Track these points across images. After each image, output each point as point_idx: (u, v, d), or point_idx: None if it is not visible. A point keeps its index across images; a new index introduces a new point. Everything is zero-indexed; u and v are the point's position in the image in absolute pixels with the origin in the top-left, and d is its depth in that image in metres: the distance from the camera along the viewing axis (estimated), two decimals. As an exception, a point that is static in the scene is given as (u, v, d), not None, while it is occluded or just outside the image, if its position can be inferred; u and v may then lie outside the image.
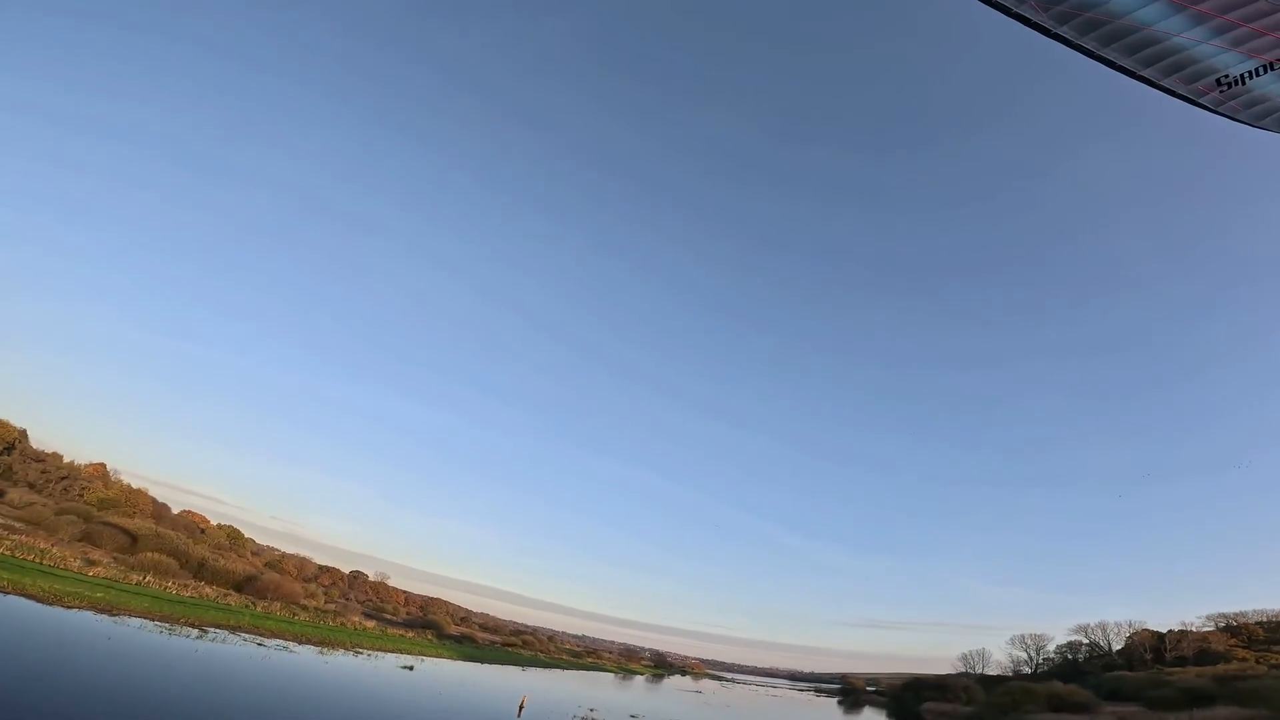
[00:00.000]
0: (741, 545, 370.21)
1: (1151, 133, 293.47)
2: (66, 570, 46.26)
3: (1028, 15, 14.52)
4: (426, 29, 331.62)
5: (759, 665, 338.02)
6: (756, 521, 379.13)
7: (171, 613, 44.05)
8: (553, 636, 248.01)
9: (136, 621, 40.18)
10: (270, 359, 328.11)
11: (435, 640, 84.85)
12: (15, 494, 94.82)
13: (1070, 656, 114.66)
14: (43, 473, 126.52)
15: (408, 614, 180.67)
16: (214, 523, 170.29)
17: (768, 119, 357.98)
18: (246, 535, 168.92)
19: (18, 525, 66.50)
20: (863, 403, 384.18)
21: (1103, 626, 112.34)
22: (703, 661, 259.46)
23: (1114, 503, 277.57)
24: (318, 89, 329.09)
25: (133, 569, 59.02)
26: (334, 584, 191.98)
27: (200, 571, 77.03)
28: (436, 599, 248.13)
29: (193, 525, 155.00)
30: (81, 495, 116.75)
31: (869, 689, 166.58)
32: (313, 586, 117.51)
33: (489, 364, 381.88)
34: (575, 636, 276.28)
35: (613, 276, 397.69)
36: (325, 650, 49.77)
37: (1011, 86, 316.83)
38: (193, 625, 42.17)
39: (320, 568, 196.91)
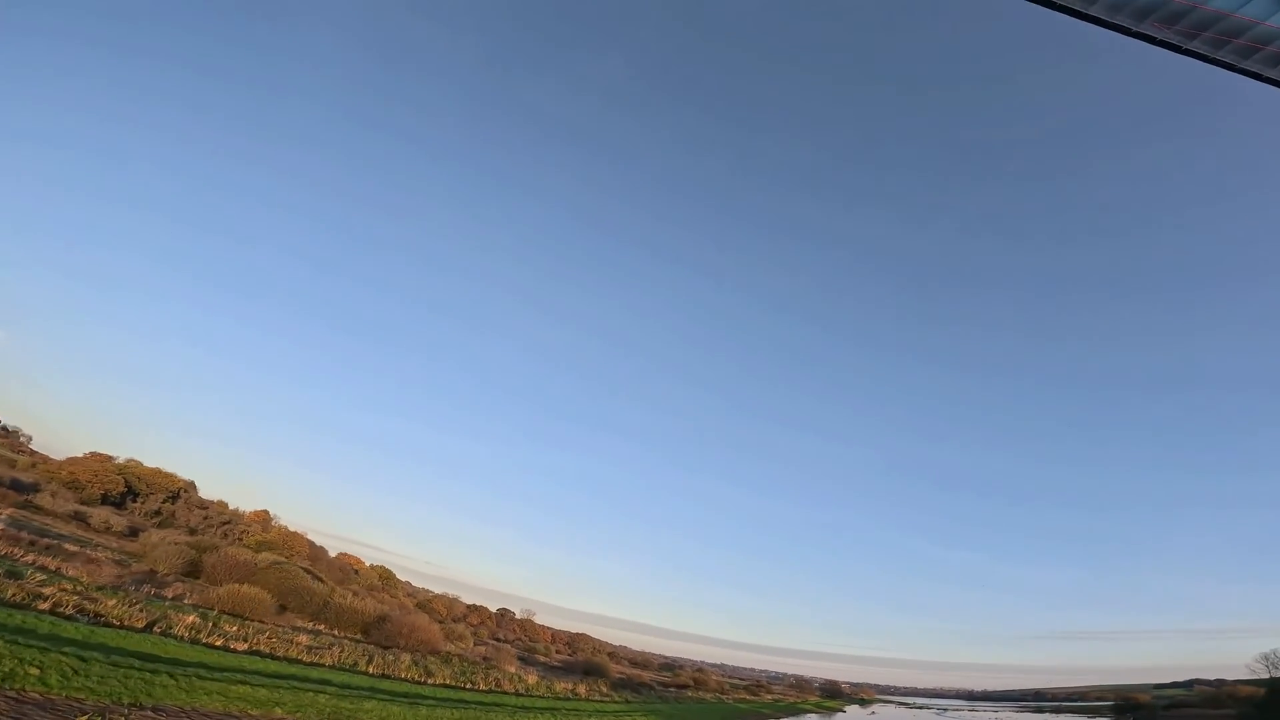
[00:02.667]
0: (891, 563, 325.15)
1: None
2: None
3: (1151, 33, 14.17)
4: (510, 80, 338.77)
5: (919, 686, 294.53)
6: (904, 538, 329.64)
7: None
8: (701, 668, 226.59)
9: None
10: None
11: (627, 699, 63.00)
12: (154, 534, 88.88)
13: None
14: (205, 518, 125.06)
15: (558, 653, 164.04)
16: (368, 564, 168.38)
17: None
18: (402, 579, 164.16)
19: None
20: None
21: None
22: (865, 686, 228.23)
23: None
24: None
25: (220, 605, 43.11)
26: (482, 623, 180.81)
27: (323, 612, 61.53)
28: (582, 634, 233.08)
29: (347, 567, 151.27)
30: (241, 539, 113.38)
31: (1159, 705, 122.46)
32: (460, 627, 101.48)
33: (615, 403, 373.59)
34: (714, 665, 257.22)
35: (734, 312, 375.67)
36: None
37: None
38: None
39: (469, 607, 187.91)
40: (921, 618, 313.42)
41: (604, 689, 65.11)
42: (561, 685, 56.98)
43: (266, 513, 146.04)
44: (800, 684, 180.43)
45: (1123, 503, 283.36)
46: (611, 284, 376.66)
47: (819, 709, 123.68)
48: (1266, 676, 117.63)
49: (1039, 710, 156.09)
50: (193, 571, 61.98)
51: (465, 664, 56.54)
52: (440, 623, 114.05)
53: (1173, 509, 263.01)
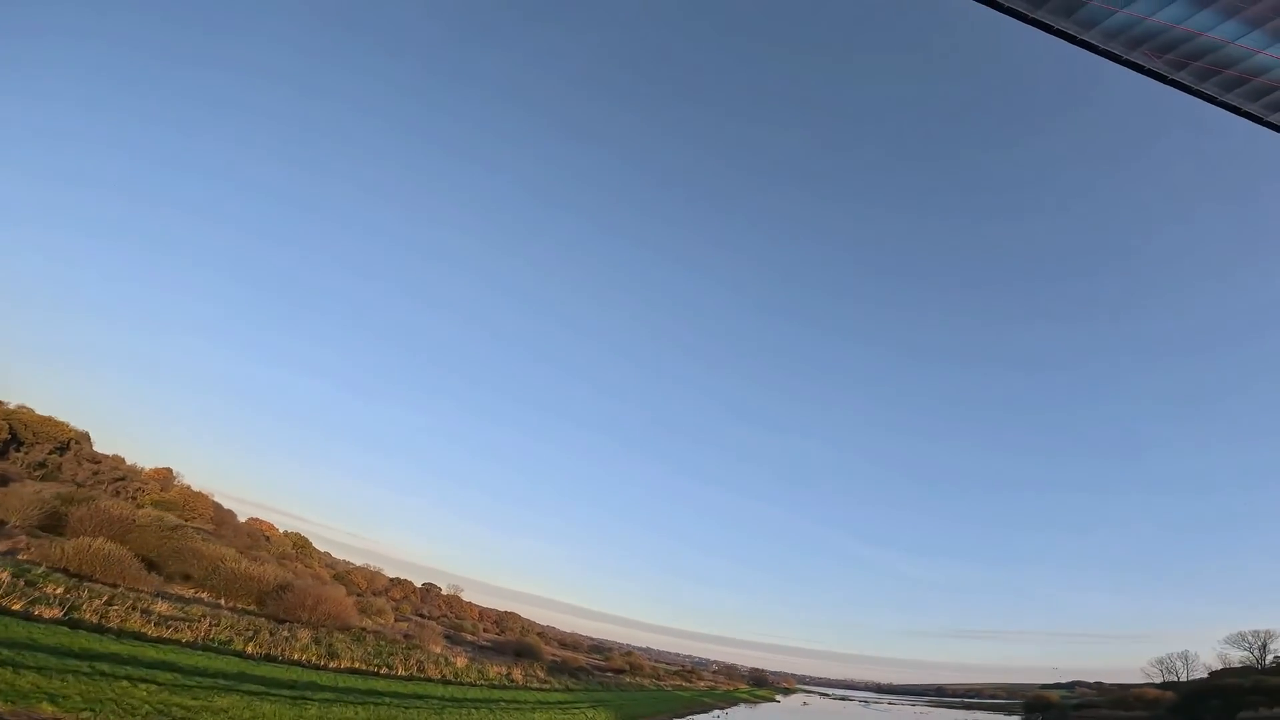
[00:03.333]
0: (805, 555, 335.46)
1: None
2: None
3: (1142, 62, 14.58)
4: (467, 50, 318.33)
5: (833, 677, 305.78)
6: (823, 531, 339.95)
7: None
8: (630, 652, 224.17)
9: None
10: (331, 380, 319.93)
11: (568, 686, 56.00)
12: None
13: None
14: (95, 473, 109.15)
15: (486, 631, 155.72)
16: (281, 531, 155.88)
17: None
18: (321, 549, 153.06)
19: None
20: (932, 408, 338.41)
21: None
22: (786, 675, 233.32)
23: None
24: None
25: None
26: (406, 598, 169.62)
27: (210, 578, 51.24)
28: (511, 613, 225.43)
29: (257, 532, 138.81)
30: (135, 497, 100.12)
31: (1063, 699, 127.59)
32: (380, 601, 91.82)
33: (550, 381, 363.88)
34: (639, 649, 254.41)
35: (673, 286, 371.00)
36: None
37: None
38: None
39: (392, 580, 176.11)
40: (830, 611, 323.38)
41: (540, 674, 58.07)
42: (495, 669, 49.50)
43: (169, 470, 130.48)
44: (729, 671, 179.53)
45: (1010, 515, 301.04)
46: (558, 259, 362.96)
47: (753, 697, 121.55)
48: (1159, 680, 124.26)
49: (949, 706, 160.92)
50: (54, 526, 50.29)
51: (382, 643, 48.08)
52: (359, 595, 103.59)
53: (1046, 523, 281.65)
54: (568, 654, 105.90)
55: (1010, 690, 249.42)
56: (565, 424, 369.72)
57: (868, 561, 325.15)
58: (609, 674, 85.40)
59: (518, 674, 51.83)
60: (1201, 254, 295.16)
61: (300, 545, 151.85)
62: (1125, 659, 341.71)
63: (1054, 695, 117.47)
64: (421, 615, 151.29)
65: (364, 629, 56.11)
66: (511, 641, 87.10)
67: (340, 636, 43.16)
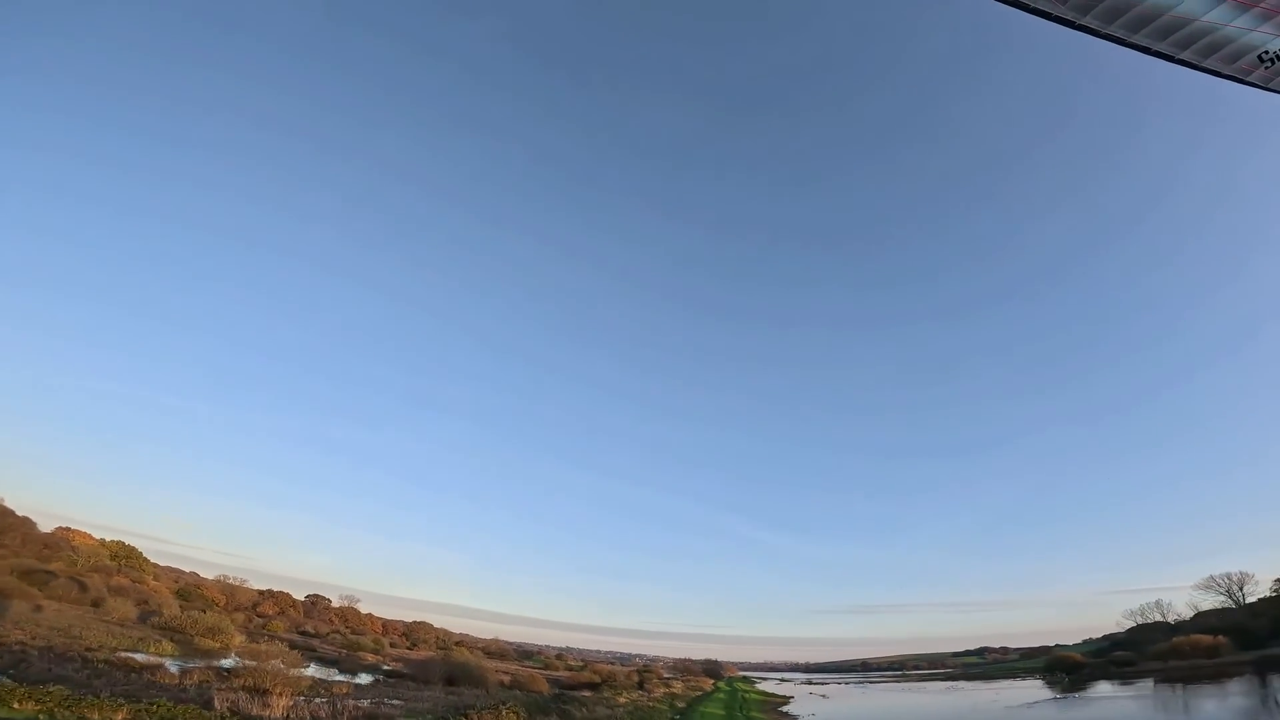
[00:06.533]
0: (688, 536, 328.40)
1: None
2: None
3: (1047, 9, 14.41)
4: (342, 35, 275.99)
5: (753, 660, 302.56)
6: (706, 511, 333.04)
7: None
8: (562, 654, 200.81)
9: None
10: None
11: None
12: None
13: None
14: None
15: (393, 646, 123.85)
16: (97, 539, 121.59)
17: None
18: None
19: None
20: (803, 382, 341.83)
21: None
22: (727, 664, 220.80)
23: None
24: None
25: None
26: (282, 612, 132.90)
27: None
28: (421, 623, 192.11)
29: (60, 542, 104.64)
30: None
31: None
32: (220, 618, 60.35)
33: (429, 378, 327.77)
34: (561, 649, 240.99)
35: (547, 272, 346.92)
36: None
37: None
38: None
39: (262, 593, 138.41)
40: (737, 594, 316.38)
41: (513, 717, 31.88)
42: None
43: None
44: (686, 667, 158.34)
45: (902, 488, 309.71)
46: (433, 250, 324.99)
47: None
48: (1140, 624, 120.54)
49: (915, 679, 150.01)
50: None
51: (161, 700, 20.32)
52: (204, 611, 70.63)
53: (929, 495, 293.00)
54: (515, 669, 78.82)
55: (931, 660, 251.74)
56: (447, 420, 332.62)
57: (767, 545, 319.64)
58: (586, 691, 59.75)
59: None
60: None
61: (124, 557, 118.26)
62: (1021, 624, 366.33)
63: (1075, 655, 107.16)
64: (305, 633, 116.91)
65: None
66: (434, 662, 59.07)
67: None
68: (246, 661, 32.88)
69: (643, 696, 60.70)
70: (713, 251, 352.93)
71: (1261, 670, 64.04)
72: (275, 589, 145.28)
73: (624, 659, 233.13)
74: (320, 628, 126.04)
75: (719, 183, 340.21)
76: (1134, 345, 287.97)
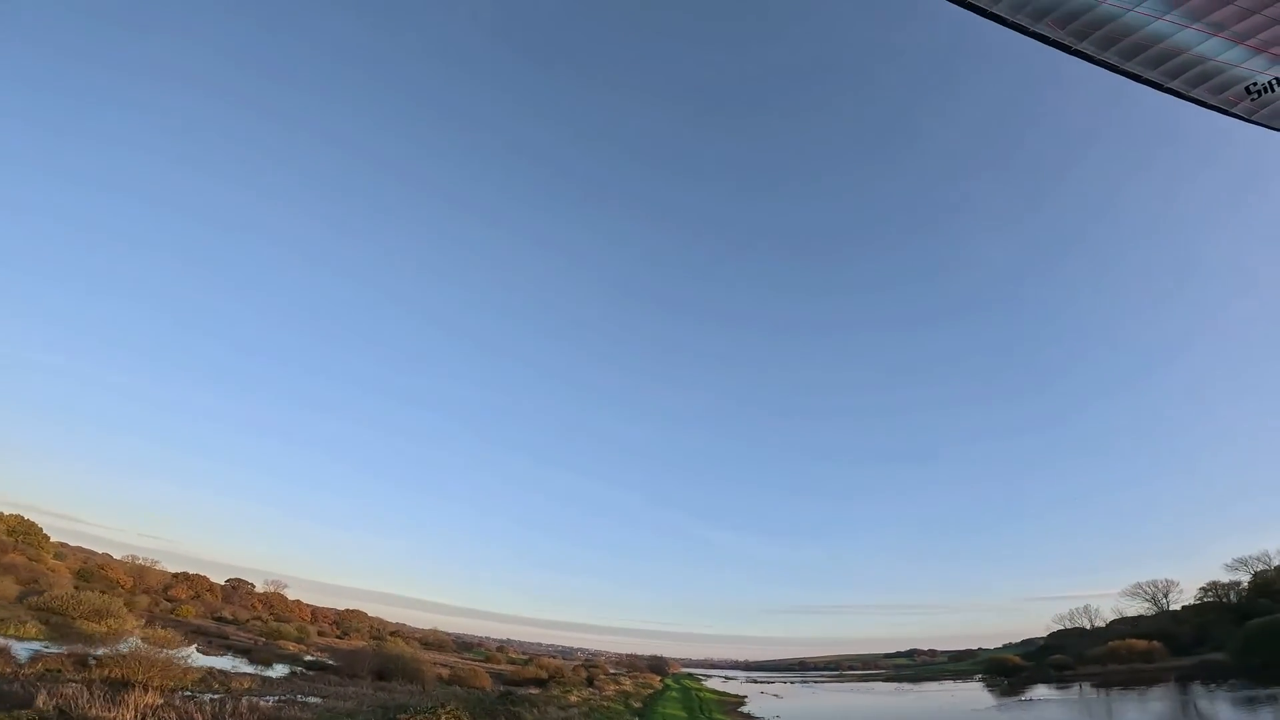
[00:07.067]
0: (634, 531, 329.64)
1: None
2: None
3: (1045, 34, 14.63)
4: (329, 29, 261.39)
5: (695, 657, 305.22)
6: (652, 507, 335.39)
7: None
8: (503, 646, 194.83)
9: None
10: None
11: None
12: None
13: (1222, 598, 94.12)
14: None
15: (321, 635, 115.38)
16: None
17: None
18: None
19: None
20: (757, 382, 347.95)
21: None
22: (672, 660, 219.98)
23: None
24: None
25: None
26: (197, 596, 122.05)
27: None
28: (354, 611, 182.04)
29: None
30: None
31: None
32: (113, 601, 52.88)
33: (383, 366, 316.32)
34: (500, 641, 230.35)
35: (510, 262, 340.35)
36: None
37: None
38: None
39: (175, 576, 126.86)
40: (677, 592, 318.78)
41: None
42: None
43: None
44: (633, 663, 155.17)
45: (842, 492, 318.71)
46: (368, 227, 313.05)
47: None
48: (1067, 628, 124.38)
49: (854, 679, 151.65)
50: None
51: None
52: (103, 593, 62.15)
53: (867, 500, 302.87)
54: (455, 660, 73.33)
55: (865, 661, 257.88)
56: (401, 409, 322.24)
57: (713, 543, 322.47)
58: (531, 687, 55.22)
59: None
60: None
61: (25, 533, 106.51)
62: (948, 628, 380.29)
63: (1014, 657, 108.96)
64: (221, 619, 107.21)
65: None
66: (364, 653, 53.30)
67: None
68: (115, 649, 26.98)
69: (594, 695, 56.92)
70: (679, 252, 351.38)
71: (1191, 676, 65.63)
72: (194, 573, 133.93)
73: (566, 653, 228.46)
74: (239, 614, 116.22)
75: (693, 184, 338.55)
76: (1062, 363, 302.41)
